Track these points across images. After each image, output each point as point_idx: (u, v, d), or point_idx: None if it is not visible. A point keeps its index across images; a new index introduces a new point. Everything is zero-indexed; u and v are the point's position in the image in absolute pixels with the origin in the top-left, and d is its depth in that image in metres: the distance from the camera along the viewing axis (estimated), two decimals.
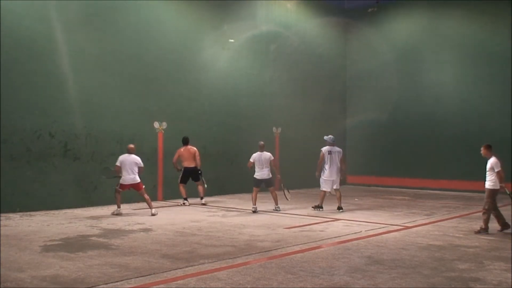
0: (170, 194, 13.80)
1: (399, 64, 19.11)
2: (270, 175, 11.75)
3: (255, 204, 11.53)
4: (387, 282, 5.45)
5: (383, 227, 9.34)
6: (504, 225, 8.90)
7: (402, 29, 19.35)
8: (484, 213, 8.79)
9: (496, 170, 8.70)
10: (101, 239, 7.91)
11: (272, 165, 11.74)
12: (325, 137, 12.20)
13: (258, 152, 11.75)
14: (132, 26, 13.29)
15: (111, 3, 12.82)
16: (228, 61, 15.88)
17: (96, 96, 12.47)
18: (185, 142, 12.84)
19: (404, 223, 9.93)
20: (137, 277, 5.61)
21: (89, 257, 6.58)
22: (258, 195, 11.72)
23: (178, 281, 5.46)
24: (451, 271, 5.99)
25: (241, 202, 13.40)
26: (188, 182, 13.00)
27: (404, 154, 18.67)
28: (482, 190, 8.21)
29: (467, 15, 17.68)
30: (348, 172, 20.49)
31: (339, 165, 11.83)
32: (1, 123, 10.77)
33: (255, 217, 10.70)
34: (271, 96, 17.29)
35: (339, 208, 11.73)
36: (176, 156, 12.76)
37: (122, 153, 11.75)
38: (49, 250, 7.04)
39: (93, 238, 8.05)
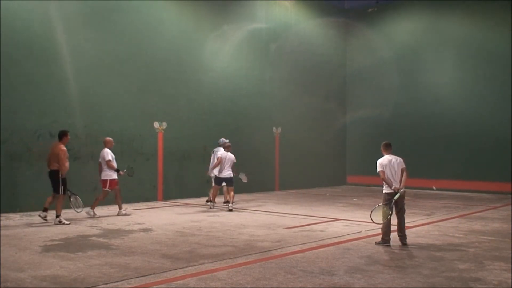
0: (170, 194, 13.82)
1: (399, 64, 19.12)
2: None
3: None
4: (387, 282, 5.45)
5: None
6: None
7: (402, 29, 19.36)
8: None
9: (402, 167, 7.70)
10: (101, 239, 7.91)
11: None
12: (219, 140, 12.68)
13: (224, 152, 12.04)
14: (132, 26, 13.29)
15: (111, 3, 12.82)
16: (228, 61, 15.88)
17: (96, 96, 12.47)
18: (59, 136, 9.92)
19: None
20: (137, 277, 5.61)
21: (89, 257, 6.58)
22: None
23: (178, 281, 5.46)
24: (451, 271, 5.99)
25: (241, 202, 13.39)
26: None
27: (404, 154, 18.42)
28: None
29: (467, 15, 17.69)
30: (348, 172, 20.59)
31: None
32: (1, 123, 10.77)
33: (255, 217, 10.69)
34: (271, 96, 17.29)
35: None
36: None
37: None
38: (49, 250, 7.03)
39: (93, 238, 8.04)
